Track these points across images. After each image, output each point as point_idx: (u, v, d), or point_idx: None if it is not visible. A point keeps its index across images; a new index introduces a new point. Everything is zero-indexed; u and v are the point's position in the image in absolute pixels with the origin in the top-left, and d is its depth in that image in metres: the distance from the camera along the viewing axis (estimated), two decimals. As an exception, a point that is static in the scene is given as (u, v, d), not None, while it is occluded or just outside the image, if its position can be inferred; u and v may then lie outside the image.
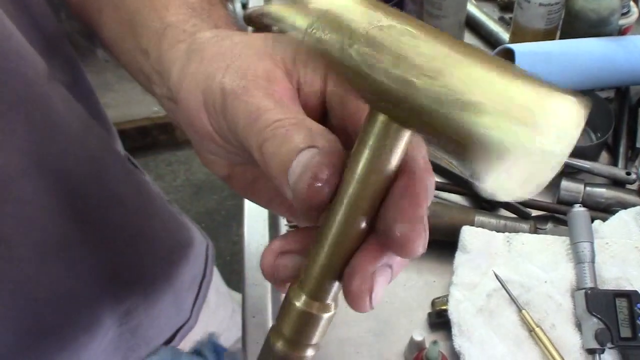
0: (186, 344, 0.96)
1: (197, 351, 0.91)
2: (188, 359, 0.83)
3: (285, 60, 0.41)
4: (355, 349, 0.88)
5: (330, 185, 0.31)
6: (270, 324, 0.88)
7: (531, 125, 0.25)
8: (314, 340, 0.36)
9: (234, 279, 1.22)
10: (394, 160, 0.31)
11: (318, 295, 0.34)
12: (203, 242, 0.97)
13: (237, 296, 1.06)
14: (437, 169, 1.00)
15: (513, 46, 0.95)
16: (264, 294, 0.92)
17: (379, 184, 0.31)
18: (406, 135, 0.31)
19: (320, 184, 0.31)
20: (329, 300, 0.35)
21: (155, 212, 0.81)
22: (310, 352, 0.36)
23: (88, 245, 0.66)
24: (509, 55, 0.97)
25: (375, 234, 0.32)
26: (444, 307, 0.87)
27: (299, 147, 0.33)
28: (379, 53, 0.27)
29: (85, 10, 0.63)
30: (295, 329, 0.35)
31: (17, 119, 0.54)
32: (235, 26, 0.52)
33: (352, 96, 0.36)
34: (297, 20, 0.31)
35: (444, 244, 0.93)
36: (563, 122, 0.26)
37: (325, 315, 0.35)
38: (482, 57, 0.26)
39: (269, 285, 0.91)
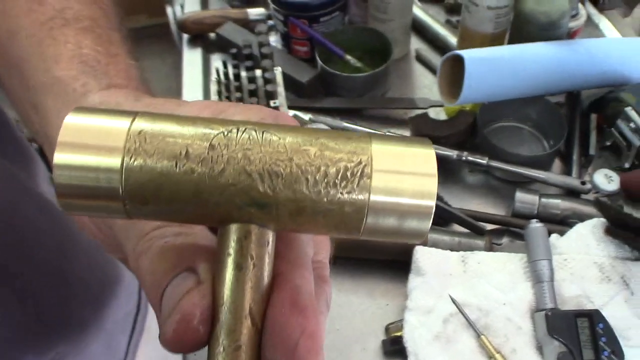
0: None
1: None
2: None
3: None
4: (306, 381, 0.82)
5: (205, 325, 0.26)
6: None
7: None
8: None
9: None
10: (266, 270, 0.28)
11: None
12: (134, 275, 0.89)
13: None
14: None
15: (463, 53, 0.90)
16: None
17: (255, 306, 0.27)
18: (271, 236, 0.28)
19: (190, 326, 0.26)
20: None
21: (78, 248, 0.72)
22: None
23: (3, 290, 0.58)
24: (458, 62, 0.93)
25: None
26: (398, 334, 0.81)
27: (174, 269, 0.28)
28: (230, 158, 0.26)
29: None
30: None
31: None
32: (136, 81, 0.45)
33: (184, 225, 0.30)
34: (105, 156, 0.26)
35: (396, 264, 0.88)
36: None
37: None
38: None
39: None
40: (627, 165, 0.95)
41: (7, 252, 0.59)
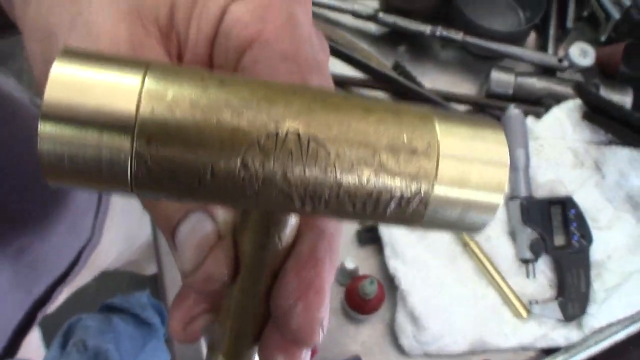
0: (95, 260, 0.88)
1: (137, 315, 0.84)
2: (120, 320, 0.75)
3: (159, 19, 0.29)
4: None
5: (229, 278, 0.27)
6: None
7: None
8: None
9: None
10: (292, 237, 0.27)
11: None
12: None
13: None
14: (352, 62, 0.90)
15: None
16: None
17: (275, 265, 0.27)
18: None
19: (215, 283, 0.27)
20: None
21: (31, 133, 0.67)
22: None
23: None
24: None
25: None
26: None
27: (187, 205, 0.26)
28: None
29: None
30: None
31: None
32: None
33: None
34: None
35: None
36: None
37: None
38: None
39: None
40: (603, 39, 0.92)
41: None
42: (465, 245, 0.78)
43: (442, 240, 0.78)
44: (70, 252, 0.82)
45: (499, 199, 0.24)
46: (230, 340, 0.28)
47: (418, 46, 0.96)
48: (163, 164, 0.21)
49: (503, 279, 0.77)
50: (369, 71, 0.90)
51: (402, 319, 0.75)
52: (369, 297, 0.70)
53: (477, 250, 0.77)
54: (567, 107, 0.82)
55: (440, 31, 0.89)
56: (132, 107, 0.20)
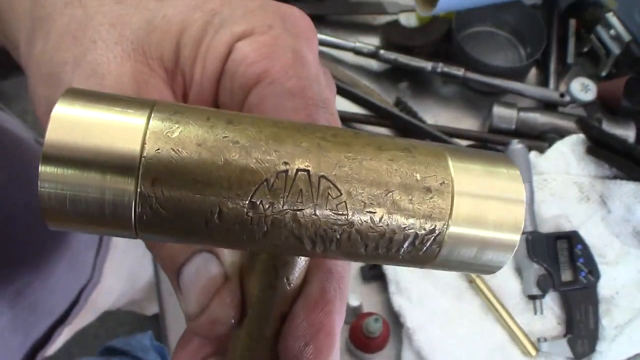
0: (96, 300, 0.87)
1: (138, 358, 0.83)
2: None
3: (164, 58, 0.28)
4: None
5: (235, 321, 0.26)
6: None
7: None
8: None
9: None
10: (300, 280, 0.26)
11: None
12: None
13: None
14: (355, 99, 0.90)
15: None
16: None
17: (283, 307, 0.26)
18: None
19: (222, 328, 0.26)
20: None
21: (31, 173, 0.66)
22: None
23: None
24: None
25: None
26: (377, 259, 0.80)
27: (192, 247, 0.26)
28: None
29: None
30: None
31: None
32: None
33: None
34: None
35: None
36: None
37: None
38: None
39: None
40: (603, 74, 0.93)
41: None
42: (471, 281, 0.77)
43: (448, 276, 0.77)
44: (70, 291, 0.81)
45: (516, 237, 0.23)
46: None
47: (419, 82, 0.96)
48: (168, 206, 0.20)
49: (510, 316, 0.75)
50: (371, 107, 0.90)
51: (408, 357, 0.73)
52: (374, 335, 0.69)
53: (483, 287, 0.76)
54: (571, 142, 0.82)
55: (441, 67, 0.90)
56: (136, 147, 0.20)
